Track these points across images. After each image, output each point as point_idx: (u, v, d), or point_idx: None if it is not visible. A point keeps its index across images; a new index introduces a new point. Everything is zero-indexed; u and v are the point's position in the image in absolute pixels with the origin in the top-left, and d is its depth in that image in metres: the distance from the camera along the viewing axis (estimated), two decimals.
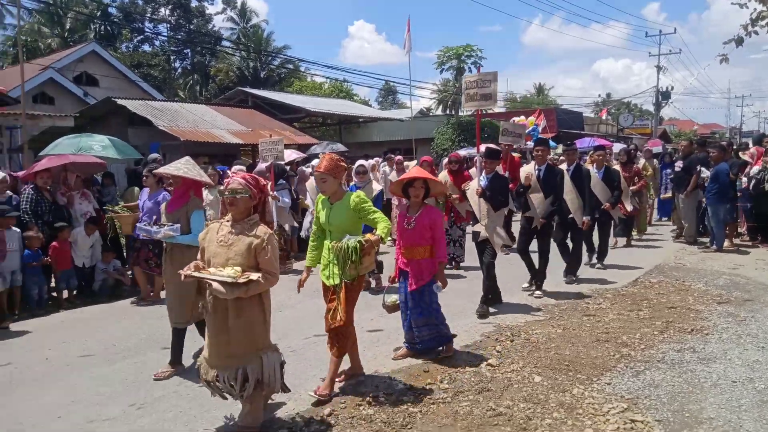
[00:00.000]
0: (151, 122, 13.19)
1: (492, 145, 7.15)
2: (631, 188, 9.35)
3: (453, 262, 8.17)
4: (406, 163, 11.26)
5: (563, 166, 7.38)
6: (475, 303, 6.00)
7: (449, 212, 8.09)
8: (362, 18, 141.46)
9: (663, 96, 34.65)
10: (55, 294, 7.10)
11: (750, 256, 8.69)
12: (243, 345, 3.20)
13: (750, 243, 9.68)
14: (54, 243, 6.84)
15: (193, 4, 43.32)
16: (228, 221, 3.29)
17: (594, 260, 8.25)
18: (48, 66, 17.66)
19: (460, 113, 22.32)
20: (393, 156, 11.46)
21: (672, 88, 35.22)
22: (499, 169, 6.46)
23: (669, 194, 10.84)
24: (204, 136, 12.49)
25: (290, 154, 10.58)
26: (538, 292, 6.62)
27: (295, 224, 9.12)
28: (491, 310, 6.03)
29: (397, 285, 4.77)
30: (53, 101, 18.37)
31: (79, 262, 7.11)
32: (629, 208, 9.27)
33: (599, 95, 53.95)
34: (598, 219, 7.86)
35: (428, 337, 4.65)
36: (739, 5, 9.40)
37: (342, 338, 4.01)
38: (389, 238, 8.62)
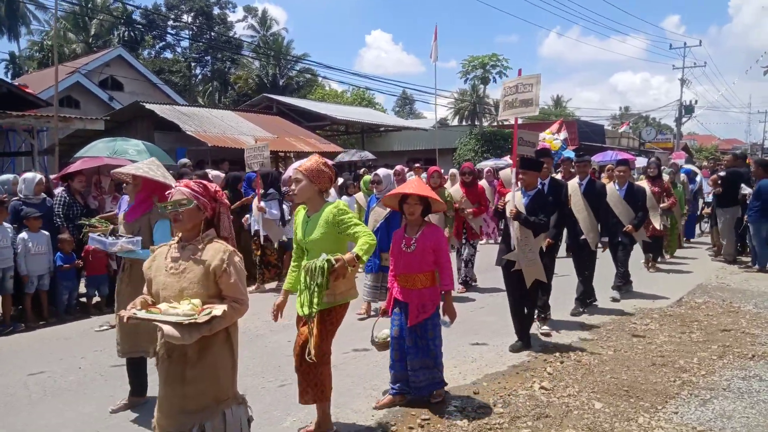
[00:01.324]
0: (176, 127, 13.17)
1: (529, 154, 5.93)
2: (661, 206, 8.60)
3: (464, 285, 7.54)
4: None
5: (575, 180, 6.63)
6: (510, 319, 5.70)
7: (462, 228, 7.52)
8: (379, 28, 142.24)
9: (686, 110, 34.19)
10: (84, 300, 6.99)
11: None
12: (203, 397, 2.52)
13: None
14: (88, 246, 6.72)
15: (215, 11, 43.86)
16: (178, 242, 2.66)
17: (615, 288, 7.17)
18: (76, 70, 17.78)
19: (485, 123, 22.13)
20: (419, 165, 11.24)
21: (696, 102, 34.70)
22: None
23: (708, 210, 10.50)
24: (231, 142, 12.43)
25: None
26: (545, 328, 5.71)
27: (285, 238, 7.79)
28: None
29: (389, 318, 4.03)
30: (78, 105, 18.50)
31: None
32: (659, 226, 8.49)
33: (620, 107, 53.39)
34: (621, 242, 7.04)
35: (424, 382, 3.92)
36: None
37: (314, 381, 3.34)
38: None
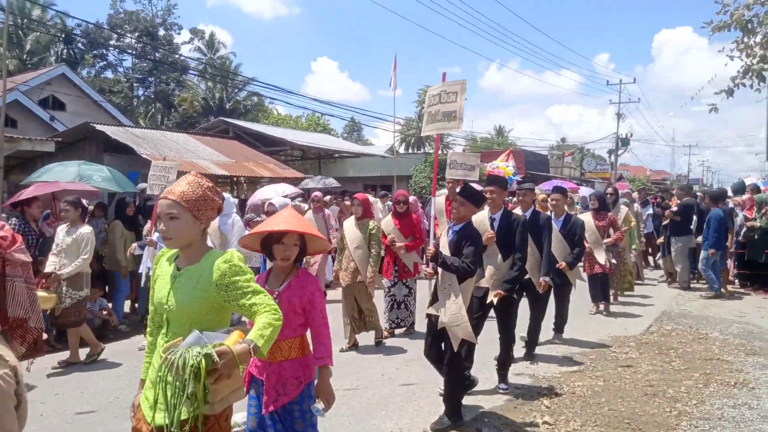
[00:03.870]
0: (128, 150, 12.54)
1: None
2: (604, 241, 7.70)
3: (398, 328, 6.74)
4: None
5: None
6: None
7: (393, 265, 6.64)
8: (326, 55, 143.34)
9: (622, 142, 36.12)
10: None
11: (748, 303, 8.80)
12: None
13: (742, 289, 9.86)
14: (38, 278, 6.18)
15: (160, 32, 42.94)
16: None
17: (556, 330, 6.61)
18: (14, 87, 16.74)
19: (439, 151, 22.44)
20: (387, 193, 11.06)
21: (631, 134, 36.71)
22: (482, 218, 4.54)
23: (660, 239, 10.93)
24: (189, 166, 11.93)
25: (285, 189, 10.20)
26: (503, 386, 4.92)
27: None
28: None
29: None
30: (16, 124, 17.37)
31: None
32: (603, 262, 7.62)
33: (562, 139, 55.80)
34: (553, 281, 5.95)
35: None
36: (730, 58, 9.91)
37: None
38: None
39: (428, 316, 4.21)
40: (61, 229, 5.63)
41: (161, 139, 13.46)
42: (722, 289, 9.33)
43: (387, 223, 6.71)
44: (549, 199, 6.80)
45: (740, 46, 10.09)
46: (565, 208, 6.78)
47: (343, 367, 5.53)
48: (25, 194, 6.41)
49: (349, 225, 6.29)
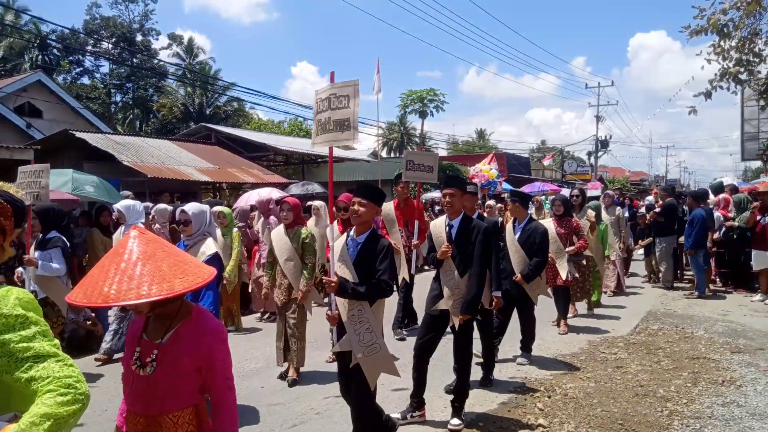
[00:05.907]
0: (108, 157, 12.36)
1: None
2: (566, 250, 6.91)
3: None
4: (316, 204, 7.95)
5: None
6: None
7: None
8: (305, 59, 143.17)
9: (602, 144, 36.64)
10: None
11: (730, 302, 8.94)
12: None
13: (724, 288, 10.03)
14: None
15: (138, 38, 42.46)
16: None
17: (523, 351, 5.89)
18: None
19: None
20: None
21: (610, 136, 37.26)
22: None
23: (644, 242, 11.04)
24: (171, 173, 11.80)
25: (270, 192, 10.10)
26: (455, 421, 4.18)
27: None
28: None
29: None
30: None
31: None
32: (564, 277, 6.81)
33: (542, 142, 56.45)
34: (510, 295, 5.53)
35: None
36: (707, 61, 10.12)
37: None
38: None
39: (337, 355, 3.61)
40: None
41: (142, 146, 13.28)
42: (705, 289, 9.48)
43: (332, 231, 6.07)
44: (509, 204, 6.05)
45: (717, 49, 10.30)
46: (531, 212, 6.06)
47: (332, 374, 5.48)
48: None
49: (278, 235, 5.34)
